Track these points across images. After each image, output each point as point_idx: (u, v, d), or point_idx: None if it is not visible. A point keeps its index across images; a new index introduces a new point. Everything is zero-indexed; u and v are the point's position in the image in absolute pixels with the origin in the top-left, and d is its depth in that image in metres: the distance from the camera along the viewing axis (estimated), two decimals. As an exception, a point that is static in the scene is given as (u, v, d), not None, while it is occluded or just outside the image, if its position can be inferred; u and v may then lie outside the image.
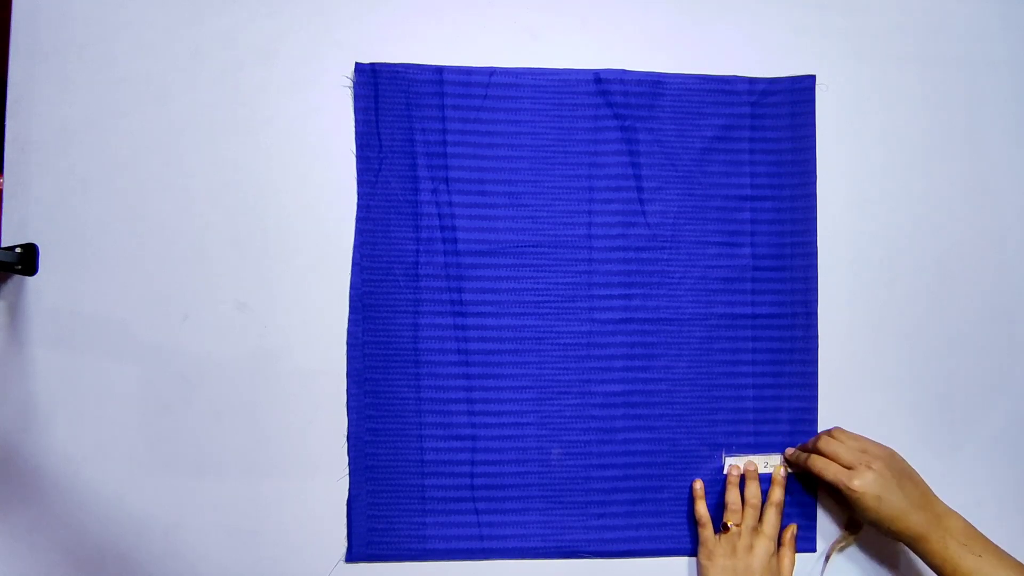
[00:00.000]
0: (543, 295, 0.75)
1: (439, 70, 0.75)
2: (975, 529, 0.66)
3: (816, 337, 0.76)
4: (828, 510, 0.76)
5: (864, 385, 0.77)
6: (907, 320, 0.78)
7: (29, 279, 0.71)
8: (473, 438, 0.74)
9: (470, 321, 0.74)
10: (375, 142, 0.74)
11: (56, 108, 0.72)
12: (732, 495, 0.74)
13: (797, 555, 0.74)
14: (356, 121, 0.74)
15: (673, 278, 0.76)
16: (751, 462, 0.75)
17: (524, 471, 0.74)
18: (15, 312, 0.71)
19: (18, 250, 0.69)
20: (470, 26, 0.76)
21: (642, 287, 0.75)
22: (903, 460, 0.70)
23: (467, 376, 0.74)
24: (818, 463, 0.70)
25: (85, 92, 0.72)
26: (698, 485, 0.74)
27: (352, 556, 0.72)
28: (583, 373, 0.75)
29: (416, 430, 0.73)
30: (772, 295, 0.76)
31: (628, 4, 0.77)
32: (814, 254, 0.76)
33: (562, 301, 0.75)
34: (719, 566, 0.71)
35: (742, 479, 0.75)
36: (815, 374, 0.76)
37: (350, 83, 0.74)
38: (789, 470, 0.75)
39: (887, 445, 0.71)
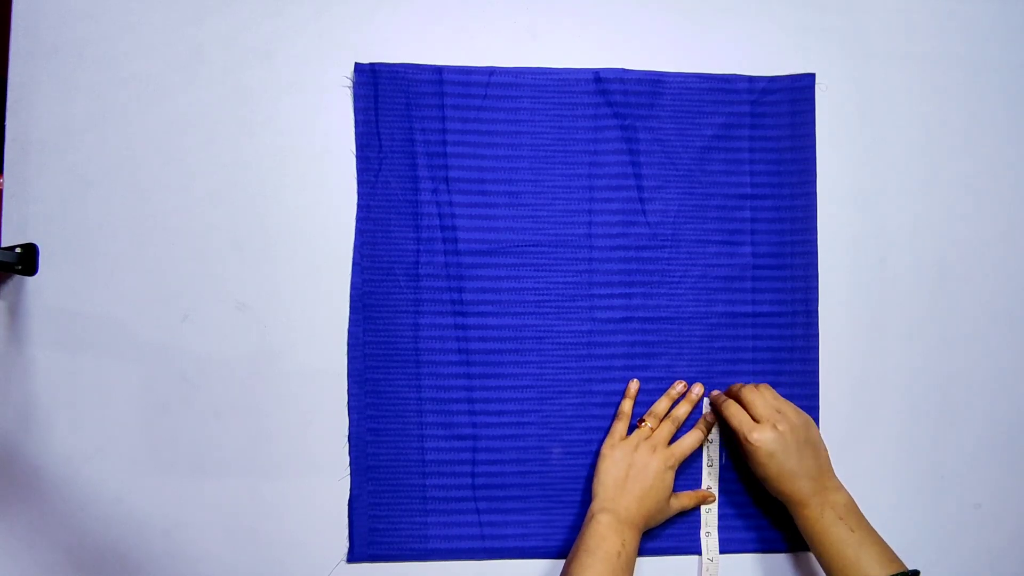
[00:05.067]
0: (543, 294, 0.75)
1: (439, 70, 0.75)
2: (857, 508, 0.67)
3: (816, 335, 0.76)
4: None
5: (864, 384, 0.77)
6: (907, 319, 0.78)
7: (29, 279, 0.71)
8: (474, 438, 0.73)
9: (471, 321, 0.74)
10: (375, 142, 0.74)
11: (56, 108, 0.72)
12: (662, 404, 0.75)
13: (799, 554, 0.74)
14: (356, 121, 0.74)
15: (673, 277, 0.76)
16: (699, 385, 0.75)
17: (525, 471, 0.74)
18: (15, 312, 0.71)
19: (18, 250, 0.69)
20: (470, 26, 0.76)
21: (642, 286, 0.75)
22: (815, 432, 0.70)
23: (468, 376, 0.74)
24: (731, 407, 0.70)
25: (85, 92, 0.72)
26: (633, 386, 0.75)
27: (353, 556, 0.72)
28: (584, 372, 0.75)
29: (417, 430, 0.73)
30: (772, 293, 0.76)
31: (628, 4, 0.77)
32: (814, 252, 0.76)
33: (562, 300, 0.75)
34: (616, 457, 0.71)
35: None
36: (816, 372, 0.76)
37: (350, 83, 0.74)
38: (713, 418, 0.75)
39: (806, 415, 0.70)
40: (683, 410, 0.74)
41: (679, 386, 0.75)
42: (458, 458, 0.73)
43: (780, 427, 0.67)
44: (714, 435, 0.76)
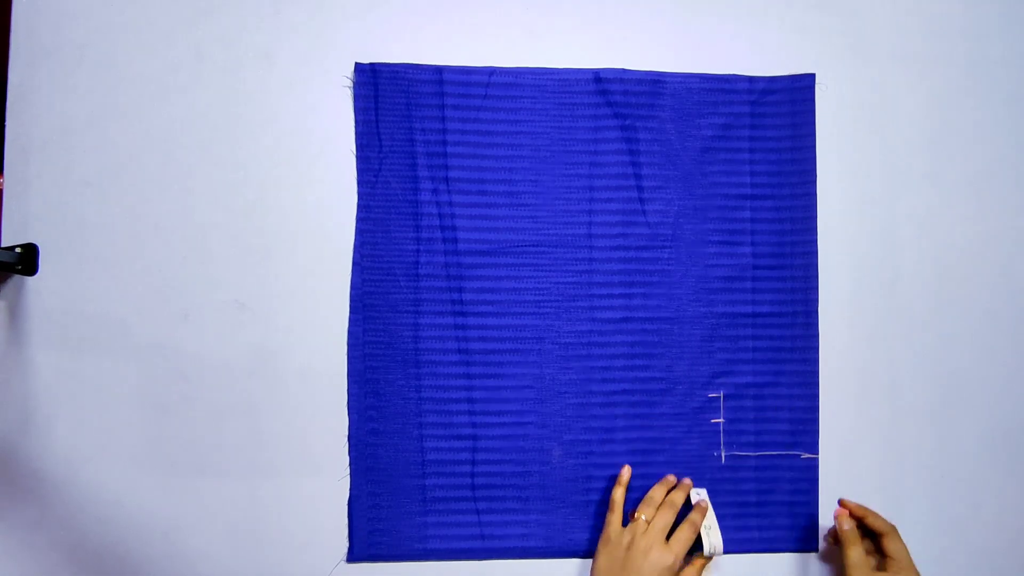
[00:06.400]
0: (543, 294, 0.75)
1: (439, 70, 0.75)
2: None
3: (817, 336, 0.76)
4: (829, 510, 0.76)
5: (864, 384, 0.77)
6: (907, 319, 0.78)
7: (29, 279, 0.71)
8: (474, 438, 0.73)
9: (471, 321, 0.74)
10: (375, 142, 0.74)
11: (56, 108, 0.72)
12: (657, 491, 0.72)
13: (799, 554, 0.74)
14: (356, 121, 0.74)
15: (674, 277, 0.76)
16: (688, 480, 0.73)
17: (525, 471, 0.74)
18: (15, 312, 0.71)
19: (18, 250, 0.69)
20: (470, 26, 0.76)
21: (643, 286, 0.75)
22: None
23: (468, 376, 0.74)
24: (898, 539, 0.70)
25: (85, 92, 0.72)
26: (625, 472, 0.73)
27: (353, 556, 0.72)
28: (584, 372, 0.75)
29: (417, 430, 0.73)
30: (772, 294, 0.76)
31: (628, 4, 0.77)
32: (814, 253, 0.76)
33: (563, 300, 0.75)
34: (610, 554, 0.69)
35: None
36: (816, 373, 0.76)
37: (350, 83, 0.74)
38: (705, 504, 0.73)
39: None
40: (678, 496, 0.72)
41: (670, 478, 0.74)
42: (458, 458, 0.73)
43: None
44: (710, 519, 0.72)
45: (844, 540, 0.70)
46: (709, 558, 0.72)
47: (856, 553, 0.69)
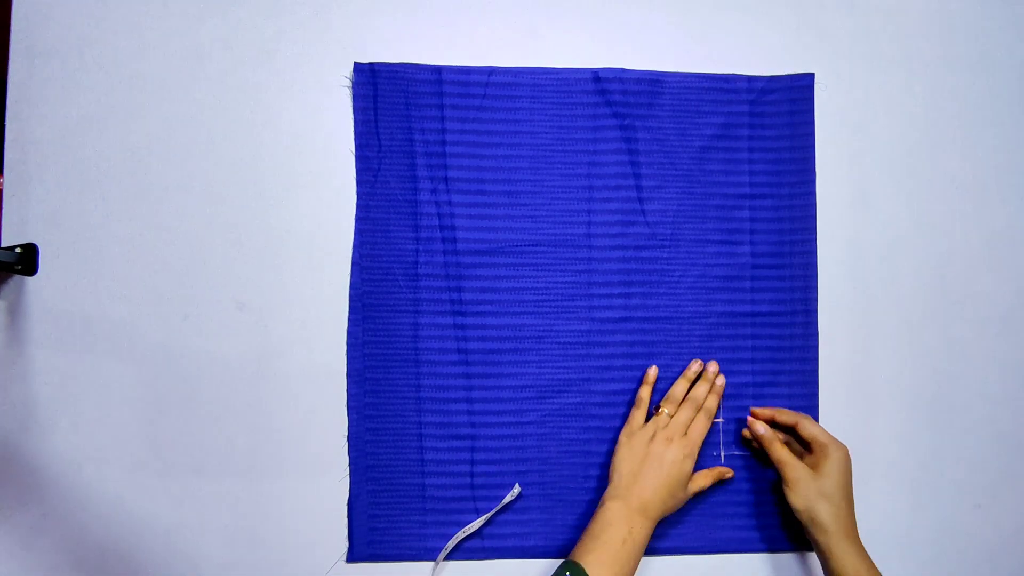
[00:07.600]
0: (543, 294, 0.75)
1: (438, 70, 0.75)
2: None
3: (816, 335, 0.76)
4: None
5: (864, 383, 0.77)
6: (907, 318, 0.78)
7: (29, 279, 0.71)
8: (473, 437, 0.74)
9: (470, 320, 0.74)
10: (374, 142, 0.74)
11: (56, 108, 0.72)
12: (679, 387, 0.74)
13: (799, 554, 0.74)
14: (355, 121, 0.74)
15: (673, 276, 0.76)
16: (714, 363, 0.75)
17: (524, 470, 0.74)
18: (15, 312, 0.71)
19: (18, 250, 0.69)
20: (470, 26, 0.76)
21: (642, 286, 0.75)
22: None
23: (467, 375, 0.74)
24: (811, 422, 0.71)
25: (85, 92, 0.72)
26: (652, 371, 0.74)
27: (353, 556, 0.72)
28: (583, 372, 0.75)
29: (416, 429, 0.73)
30: (772, 293, 0.76)
31: (628, 4, 0.77)
32: (813, 252, 0.76)
33: (562, 300, 0.75)
34: (633, 446, 0.71)
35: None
36: (815, 372, 0.76)
37: (349, 83, 0.75)
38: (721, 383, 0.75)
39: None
40: (701, 391, 0.74)
41: (695, 366, 0.75)
42: (457, 458, 0.73)
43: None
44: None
45: (766, 443, 0.72)
46: (730, 471, 0.74)
47: (781, 450, 0.71)
